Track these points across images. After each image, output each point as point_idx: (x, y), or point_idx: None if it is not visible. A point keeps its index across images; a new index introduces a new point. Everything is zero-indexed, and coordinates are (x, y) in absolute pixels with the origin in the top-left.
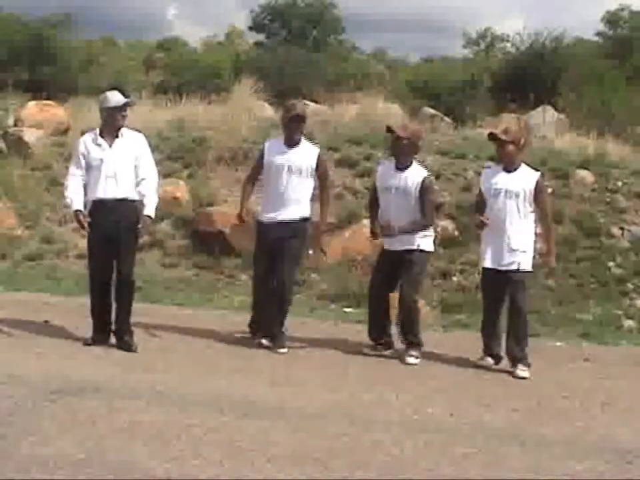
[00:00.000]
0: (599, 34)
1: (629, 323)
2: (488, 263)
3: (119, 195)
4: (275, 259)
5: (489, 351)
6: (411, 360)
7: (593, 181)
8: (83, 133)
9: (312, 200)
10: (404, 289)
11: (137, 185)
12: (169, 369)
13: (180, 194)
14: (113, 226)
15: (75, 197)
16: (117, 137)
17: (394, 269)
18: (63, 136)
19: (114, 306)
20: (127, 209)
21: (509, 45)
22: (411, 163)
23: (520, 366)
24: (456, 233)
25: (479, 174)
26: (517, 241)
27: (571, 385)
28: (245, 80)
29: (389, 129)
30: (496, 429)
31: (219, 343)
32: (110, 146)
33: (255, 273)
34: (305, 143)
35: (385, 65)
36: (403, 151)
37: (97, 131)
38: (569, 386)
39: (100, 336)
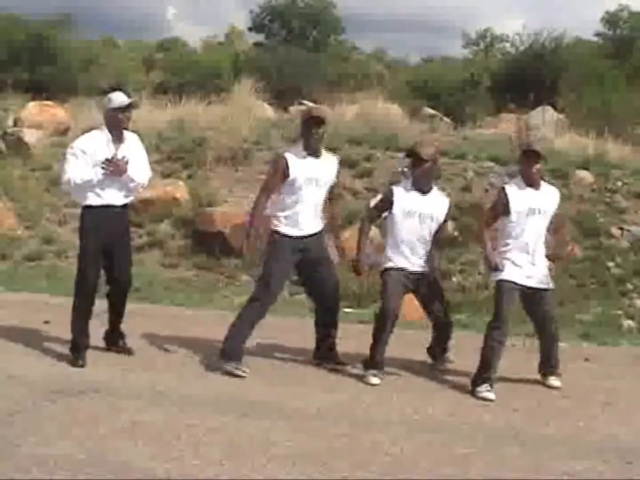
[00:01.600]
0: (598, 34)
1: (628, 323)
2: (514, 278)
3: (124, 201)
4: (313, 273)
5: (491, 378)
6: (447, 365)
7: (592, 181)
8: (84, 133)
9: None
10: (441, 312)
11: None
12: (169, 368)
13: (180, 194)
14: (115, 232)
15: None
16: (121, 140)
17: (408, 288)
18: (63, 136)
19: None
20: (126, 215)
21: (508, 45)
22: (432, 186)
23: (552, 376)
24: (456, 233)
25: (479, 174)
26: (543, 258)
27: (571, 385)
28: (244, 80)
29: (412, 152)
30: (496, 429)
31: (219, 343)
32: (117, 150)
33: (272, 293)
34: (324, 153)
35: (385, 65)
36: (427, 175)
37: (106, 132)
38: (569, 386)
39: (84, 350)
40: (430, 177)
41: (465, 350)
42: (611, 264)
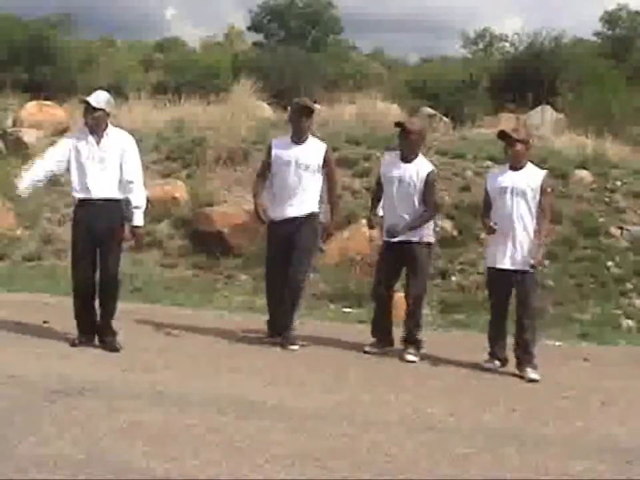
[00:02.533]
0: (597, 34)
1: (627, 323)
2: (495, 263)
3: (106, 194)
4: (288, 255)
5: (495, 354)
6: (410, 357)
7: (591, 181)
8: None
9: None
10: (411, 283)
11: (122, 185)
12: (168, 368)
13: (179, 194)
14: (98, 226)
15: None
16: (103, 136)
17: (397, 263)
18: (62, 136)
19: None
20: (112, 209)
21: (507, 44)
22: (417, 155)
23: (529, 369)
24: (455, 232)
25: (478, 174)
26: (525, 239)
27: (571, 385)
28: (243, 80)
29: (398, 124)
30: (496, 429)
31: (219, 343)
32: (98, 144)
33: (267, 273)
34: (312, 139)
35: (384, 65)
36: (411, 145)
37: (87, 128)
38: (568, 386)
39: (85, 337)
40: (413, 147)
41: (464, 349)
42: (610, 263)
